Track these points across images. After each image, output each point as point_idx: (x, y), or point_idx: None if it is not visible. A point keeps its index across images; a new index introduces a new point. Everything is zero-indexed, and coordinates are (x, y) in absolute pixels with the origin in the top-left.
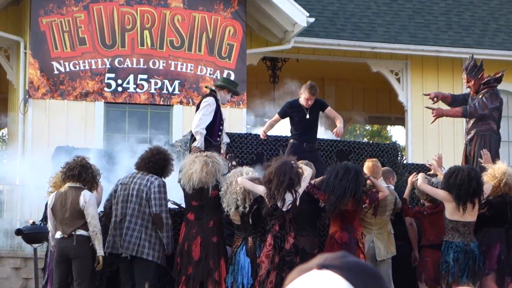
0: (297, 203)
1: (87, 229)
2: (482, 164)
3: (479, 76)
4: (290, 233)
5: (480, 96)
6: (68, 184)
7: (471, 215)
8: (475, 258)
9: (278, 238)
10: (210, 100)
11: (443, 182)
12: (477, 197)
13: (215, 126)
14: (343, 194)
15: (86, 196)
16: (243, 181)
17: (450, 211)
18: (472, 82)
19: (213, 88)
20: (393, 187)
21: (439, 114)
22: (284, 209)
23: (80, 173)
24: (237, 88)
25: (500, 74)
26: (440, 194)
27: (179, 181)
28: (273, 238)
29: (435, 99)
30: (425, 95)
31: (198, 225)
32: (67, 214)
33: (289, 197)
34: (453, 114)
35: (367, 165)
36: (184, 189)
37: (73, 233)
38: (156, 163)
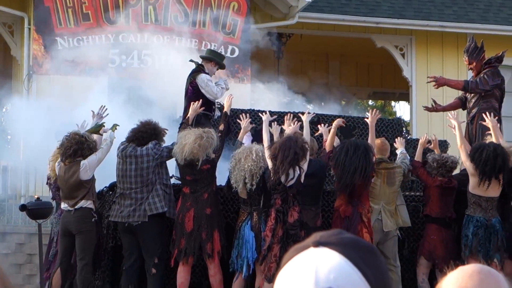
0: (302, 179)
1: (90, 199)
2: (485, 123)
3: (481, 57)
4: (294, 207)
5: (482, 75)
6: (68, 160)
7: (494, 191)
8: (497, 233)
9: (280, 212)
10: (206, 77)
11: (470, 156)
12: (502, 173)
13: (212, 101)
14: (354, 171)
15: (84, 166)
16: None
17: (473, 185)
18: (474, 64)
19: (199, 62)
20: (407, 158)
21: (441, 83)
22: (288, 184)
23: (76, 151)
24: (224, 61)
25: (500, 54)
26: (468, 165)
27: (173, 153)
28: (275, 212)
29: (435, 85)
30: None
31: (193, 197)
32: (68, 188)
33: (293, 173)
34: (455, 84)
35: (376, 143)
36: (177, 161)
37: (75, 207)
38: (145, 132)
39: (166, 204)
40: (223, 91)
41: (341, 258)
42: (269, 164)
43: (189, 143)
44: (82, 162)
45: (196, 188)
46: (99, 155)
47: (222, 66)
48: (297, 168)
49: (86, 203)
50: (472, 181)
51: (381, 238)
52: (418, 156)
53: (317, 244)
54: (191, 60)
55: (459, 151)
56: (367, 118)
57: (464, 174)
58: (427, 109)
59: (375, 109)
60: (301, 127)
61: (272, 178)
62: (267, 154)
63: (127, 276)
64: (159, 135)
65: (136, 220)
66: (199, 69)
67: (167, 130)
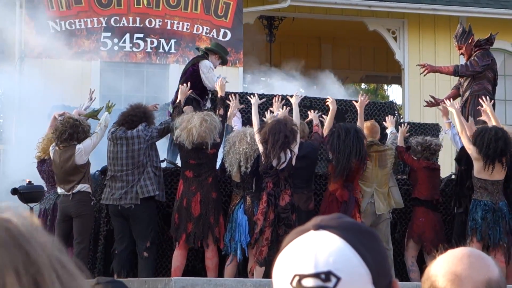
0: (293, 162)
1: (86, 182)
2: (481, 108)
3: (469, 40)
4: (285, 190)
5: (472, 57)
6: (62, 145)
7: (499, 174)
8: (504, 216)
9: (272, 195)
10: (210, 64)
11: (472, 141)
12: (504, 156)
13: (207, 90)
14: (349, 154)
15: (79, 150)
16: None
17: (478, 170)
18: (464, 48)
19: (205, 50)
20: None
21: (431, 70)
22: (279, 167)
23: (72, 135)
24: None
25: (489, 36)
26: (471, 149)
27: (177, 139)
28: (267, 195)
29: (425, 70)
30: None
31: (197, 181)
32: (64, 173)
33: (284, 156)
34: (445, 70)
35: (366, 125)
36: (182, 146)
37: (73, 191)
38: (135, 115)
39: (157, 187)
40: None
41: (341, 242)
42: (260, 148)
43: (196, 126)
44: (78, 146)
45: (200, 172)
46: (94, 139)
47: (224, 61)
48: (288, 151)
49: (84, 187)
50: (477, 165)
51: (373, 221)
52: (400, 142)
53: (318, 227)
54: (197, 48)
55: (460, 137)
56: (356, 101)
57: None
58: (428, 105)
59: (364, 94)
60: (290, 111)
61: (263, 162)
62: (257, 138)
63: (120, 259)
64: (149, 118)
65: (128, 202)
66: (204, 56)
67: (158, 105)
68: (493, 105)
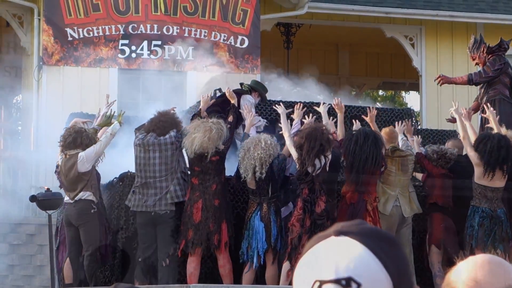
0: (327, 168)
1: (89, 190)
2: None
3: (481, 49)
4: (321, 197)
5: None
6: (68, 152)
7: (500, 181)
8: (502, 223)
9: (308, 202)
10: (252, 100)
11: (474, 147)
12: (506, 164)
13: (237, 124)
14: (365, 160)
15: (81, 158)
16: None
17: (478, 176)
18: (477, 57)
19: (248, 87)
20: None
21: (446, 81)
22: (314, 174)
23: (75, 139)
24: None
25: (499, 41)
26: (472, 155)
27: (183, 145)
28: (303, 202)
29: (440, 81)
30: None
31: (201, 188)
32: (68, 181)
33: (319, 163)
34: (459, 81)
35: (385, 131)
36: (186, 153)
37: (75, 199)
38: (165, 121)
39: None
40: (259, 123)
41: (361, 248)
42: (294, 154)
43: (199, 136)
44: (80, 154)
45: (205, 179)
46: (97, 147)
47: (264, 99)
48: (322, 157)
49: (85, 195)
50: (477, 171)
51: (400, 224)
52: (418, 149)
53: (338, 233)
54: (241, 83)
55: (462, 142)
56: (365, 115)
57: (460, 161)
58: (450, 121)
59: (371, 107)
60: (314, 118)
61: (298, 168)
62: (290, 143)
63: (144, 267)
64: (178, 124)
65: (163, 209)
66: (246, 92)
67: (175, 108)
68: None
